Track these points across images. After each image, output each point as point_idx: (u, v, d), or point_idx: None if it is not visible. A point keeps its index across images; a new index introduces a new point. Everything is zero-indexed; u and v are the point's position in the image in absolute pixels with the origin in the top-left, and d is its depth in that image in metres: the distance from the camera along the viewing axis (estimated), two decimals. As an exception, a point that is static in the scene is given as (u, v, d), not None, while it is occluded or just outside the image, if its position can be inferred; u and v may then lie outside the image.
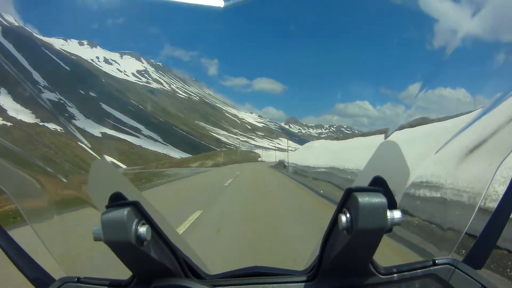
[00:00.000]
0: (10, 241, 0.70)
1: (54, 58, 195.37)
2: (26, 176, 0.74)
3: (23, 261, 0.69)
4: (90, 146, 0.88)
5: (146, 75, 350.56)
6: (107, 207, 0.55)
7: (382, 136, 0.80)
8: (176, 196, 9.63)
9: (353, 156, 10.33)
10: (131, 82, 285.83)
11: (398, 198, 0.59)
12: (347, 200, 0.54)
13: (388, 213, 0.52)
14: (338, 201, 0.56)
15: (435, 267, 0.64)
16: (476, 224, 0.68)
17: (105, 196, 0.58)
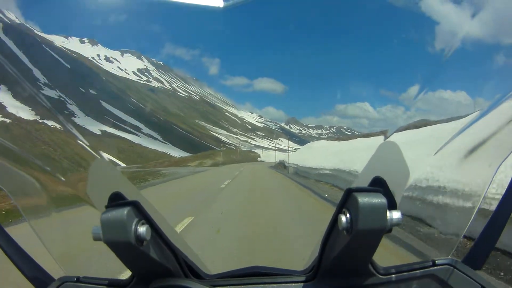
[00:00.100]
0: (9, 240, 0.70)
1: (55, 55, 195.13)
2: (25, 175, 0.74)
3: (22, 260, 0.69)
4: (88, 144, 0.88)
5: (147, 74, 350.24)
6: (106, 206, 0.55)
7: (383, 137, 0.80)
8: (167, 199, 8.68)
9: (358, 157, 9.71)
10: (131, 80, 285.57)
11: (398, 199, 0.59)
12: (347, 200, 0.54)
13: (388, 213, 0.52)
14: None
15: (435, 267, 0.64)
16: (475, 225, 0.68)
17: (105, 195, 0.58)
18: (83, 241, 0.71)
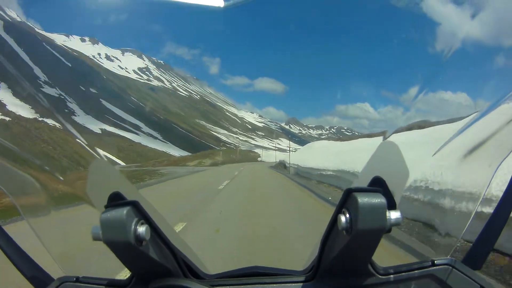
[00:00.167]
0: (8, 240, 0.70)
1: (56, 53, 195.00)
2: (24, 174, 0.74)
3: (21, 260, 0.69)
4: (87, 143, 0.88)
5: (147, 73, 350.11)
6: (106, 206, 0.55)
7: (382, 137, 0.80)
8: (161, 201, 7.97)
9: (361, 157, 8.43)
10: (132, 79, 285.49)
11: (397, 199, 0.59)
12: (347, 200, 0.54)
13: (388, 213, 0.52)
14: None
15: (434, 267, 0.64)
16: (475, 225, 0.68)
17: (104, 195, 0.58)
18: (83, 241, 0.71)
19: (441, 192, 3.93)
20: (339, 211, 0.55)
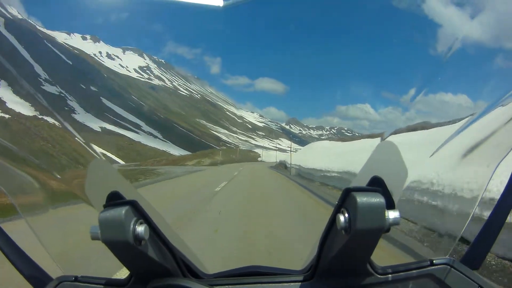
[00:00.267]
0: (7, 239, 0.70)
1: (57, 51, 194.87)
2: (22, 173, 0.74)
3: (20, 259, 0.69)
4: (84, 141, 0.88)
5: (148, 72, 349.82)
6: (104, 206, 0.55)
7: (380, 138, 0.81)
8: (153, 203, 7.04)
9: (365, 158, 8.48)
10: (133, 78, 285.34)
11: (396, 198, 0.59)
12: (346, 200, 0.54)
13: (386, 213, 0.52)
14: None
15: (432, 267, 0.64)
16: (474, 226, 0.68)
17: (103, 195, 0.58)
18: (81, 240, 0.71)
19: (439, 192, 3.93)
20: (338, 210, 0.55)
